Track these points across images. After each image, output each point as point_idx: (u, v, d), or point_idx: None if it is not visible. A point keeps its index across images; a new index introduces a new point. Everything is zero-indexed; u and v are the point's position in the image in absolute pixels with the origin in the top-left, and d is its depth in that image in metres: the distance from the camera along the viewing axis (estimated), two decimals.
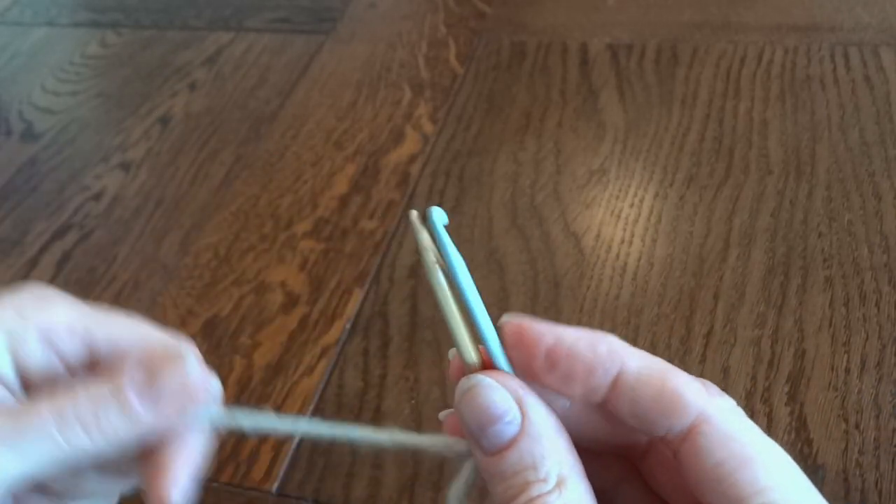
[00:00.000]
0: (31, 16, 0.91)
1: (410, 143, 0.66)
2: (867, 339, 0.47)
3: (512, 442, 0.22)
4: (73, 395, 0.24)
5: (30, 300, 0.25)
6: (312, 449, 0.47)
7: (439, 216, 0.25)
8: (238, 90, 0.75)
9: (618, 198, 0.58)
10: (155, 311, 0.55)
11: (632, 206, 0.58)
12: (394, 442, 0.25)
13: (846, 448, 0.43)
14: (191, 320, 0.54)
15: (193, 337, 0.53)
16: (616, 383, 0.23)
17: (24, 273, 0.60)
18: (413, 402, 0.48)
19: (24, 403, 0.24)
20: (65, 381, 0.25)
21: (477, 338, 0.25)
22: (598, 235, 0.56)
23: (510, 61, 0.72)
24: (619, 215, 0.57)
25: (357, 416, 0.48)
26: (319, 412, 0.48)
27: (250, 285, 0.56)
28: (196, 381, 0.24)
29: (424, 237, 0.26)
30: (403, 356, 0.50)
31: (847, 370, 0.46)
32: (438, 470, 0.45)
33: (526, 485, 0.22)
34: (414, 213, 0.26)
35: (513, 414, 0.23)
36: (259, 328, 0.53)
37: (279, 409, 0.49)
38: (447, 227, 0.26)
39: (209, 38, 0.82)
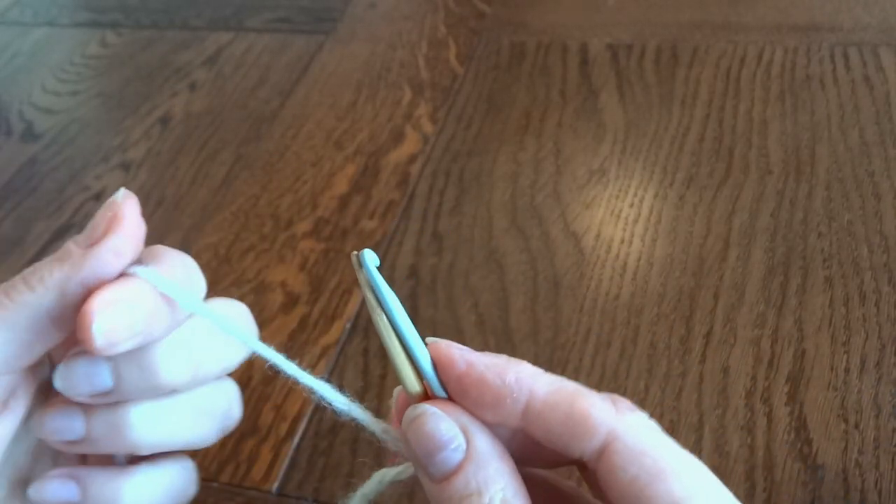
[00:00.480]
0: (31, 16, 0.91)
1: (410, 143, 0.66)
2: (867, 338, 0.47)
3: (458, 468, 0.23)
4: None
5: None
6: (313, 449, 0.47)
7: (371, 258, 0.26)
8: (238, 90, 0.75)
9: (618, 198, 0.58)
10: None
11: (632, 206, 0.58)
12: (343, 407, 0.27)
13: (846, 448, 0.43)
14: None
15: None
16: (526, 411, 0.23)
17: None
18: None
19: None
20: None
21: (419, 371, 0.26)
22: (597, 235, 0.56)
23: (510, 61, 0.72)
24: (619, 215, 0.57)
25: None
26: (319, 412, 0.48)
27: (250, 285, 0.56)
28: (121, 213, 0.26)
29: (364, 279, 0.27)
30: None
31: (847, 370, 0.46)
32: None
33: None
34: (354, 256, 0.27)
35: (458, 441, 0.23)
36: (259, 328, 0.53)
37: (279, 409, 0.49)
38: (379, 268, 0.27)
39: (209, 38, 0.82)
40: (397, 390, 0.26)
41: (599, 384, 0.47)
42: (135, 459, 0.28)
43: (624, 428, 0.22)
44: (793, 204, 0.56)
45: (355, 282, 0.55)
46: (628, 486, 0.22)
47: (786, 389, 0.45)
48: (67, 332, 0.25)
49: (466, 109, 0.68)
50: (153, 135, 0.71)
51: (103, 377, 0.25)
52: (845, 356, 0.47)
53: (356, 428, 0.48)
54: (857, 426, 0.43)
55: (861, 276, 0.51)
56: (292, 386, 0.50)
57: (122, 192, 0.26)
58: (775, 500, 0.41)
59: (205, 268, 0.61)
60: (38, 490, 0.27)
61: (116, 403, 0.26)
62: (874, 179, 0.57)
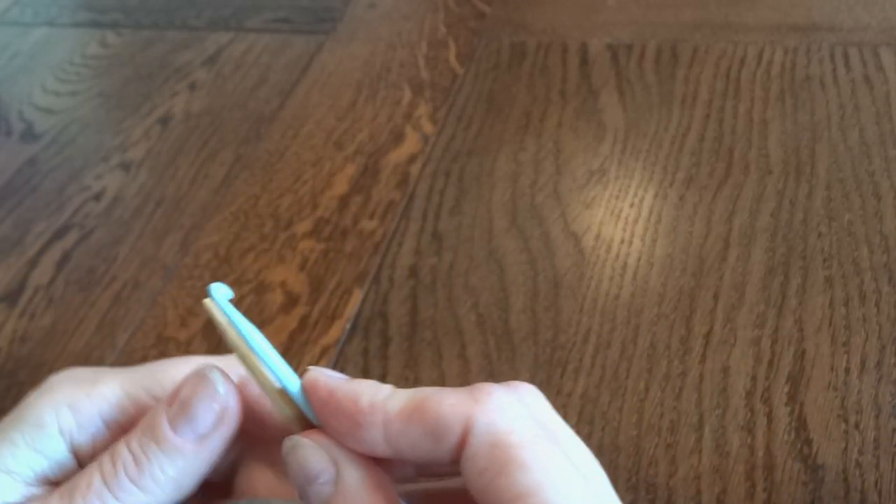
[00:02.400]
0: (31, 16, 0.91)
1: (410, 143, 0.66)
2: (867, 339, 0.47)
3: (331, 500, 0.23)
4: (114, 451, 0.25)
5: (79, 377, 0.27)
6: None
7: (221, 293, 0.26)
8: (238, 90, 0.75)
9: (618, 198, 0.58)
10: (155, 311, 0.55)
11: (632, 206, 0.58)
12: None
13: (846, 448, 0.43)
14: (191, 320, 0.54)
15: (193, 337, 0.53)
16: (387, 435, 0.22)
17: (24, 273, 0.60)
18: None
19: (75, 475, 0.25)
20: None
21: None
22: (597, 235, 0.56)
23: (510, 61, 0.72)
24: (619, 215, 0.57)
25: None
26: None
27: (250, 285, 0.56)
28: (225, 394, 0.25)
29: (220, 316, 0.26)
30: (403, 356, 0.50)
31: (847, 370, 0.46)
32: None
33: None
34: (207, 301, 0.26)
35: (328, 474, 0.23)
36: (259, 328, 0.53)
37: None
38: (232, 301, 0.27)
39: (209, 38, 0.82)
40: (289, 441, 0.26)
41: (599, 384, 0.47)
42: None
43: (477, 417, 0.21)
44: (793, 204, 0.56)
45: (355, 282, 0.55)
46: (478, 478, 0.21)
47: (786, 389, 0.45)
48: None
49: (466, 109, 0.68)
50: (153, 135, 0.71)
51: None
52: (845, 356, 0.47)
53: None
54: (857, 426, 0.43)
55: (861, 277, 0.51)
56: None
57: (218, 376, 0.26)
58: (775, 501, 0.41)
59: (205, 268, 0.62)
60: None
61: None
62: (874, 179, 0.57)
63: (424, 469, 0.25)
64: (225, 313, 0.26)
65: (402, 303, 0.53)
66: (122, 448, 0.24)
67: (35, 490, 0.25)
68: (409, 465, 0.25)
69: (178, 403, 0.25)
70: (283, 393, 0.25)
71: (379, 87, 0.72)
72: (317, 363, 0.51)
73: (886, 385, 0.45)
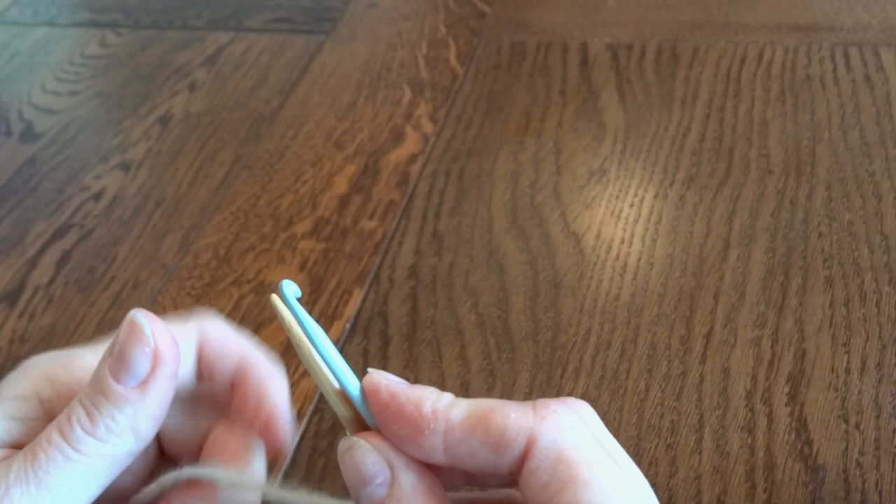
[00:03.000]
0: (30, 15, 0.91)
1: (410, 143, 0.66)
2: (867, 339, 0.47)
3: (382, 503, 0.23)
4: (70, 408, 0.25)
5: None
6: (312, 449, 0.47)
7: (290, 290, 0.26)
8: (238, 90, 0.75)
9: (618, 198, 0.58)
10: (155, 311, 0.55)
11: (632, 206, 0.57)
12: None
13: (846, 448, 0.43)
14: None
15: None
16: (446, 442, 0.23)
17: (24, 273, 0.59)
18: None
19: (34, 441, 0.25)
20: None
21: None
22: (598, 235, 0.56)
23: (510, 61, 0.72)
24: (619, 215, 0.57)
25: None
26: (319, 412, 0.48)
27: (250, 285, 0.56)
28: (152, 335, 0.26)
29: (286, 314, 0.27)
30: (403, 356, 0.50)
31: (847, 370, 0.46)
32: None
33: None
34: (274, 297, 0.26)
35: (383, 476, 0.23)
36: (259, 328, 0.53)
37: None
38: (300, 300, 0.27)
39: (209, 37, 0.82)
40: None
41: (600, 384, 0.47)
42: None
43: (542, 432, 0.22)
44: (793, 204, 0.56)
45: (355, 282, 0.55)
46: (540, 493, 0.21)
47: (786, 390, 0.45)
48: (140, 452, 0.26)
49: (466, 109, 0.68)
50: (153, 135, 0.71)
51: None
52: (846, 356, 0.47)
53: None
54: (857, 427, 0.43)
55: (862, 277, 0.51)
56: (292, 387, 0.50)
57: (140, 316, 0.26)
58: (776, 501, 0.41)
59: (205, 268, 0.62)
60: None
61: None
62: (875, 179, 0.57)
63: (474, 478, 0.25)
64: (292, 310, 0.26)
65: (402, 303, 0.53)
66: (75, 404, 0.25)
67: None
68: (459, 473, 0.25)
69: (116, 353, 0.25)
70: (342, 394, 0.25)
71: (379, 87, 0.72)
72: None
73: (887, 385, 0.45)
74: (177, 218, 0.62)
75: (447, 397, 0.23)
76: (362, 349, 0.51)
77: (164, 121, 0.73)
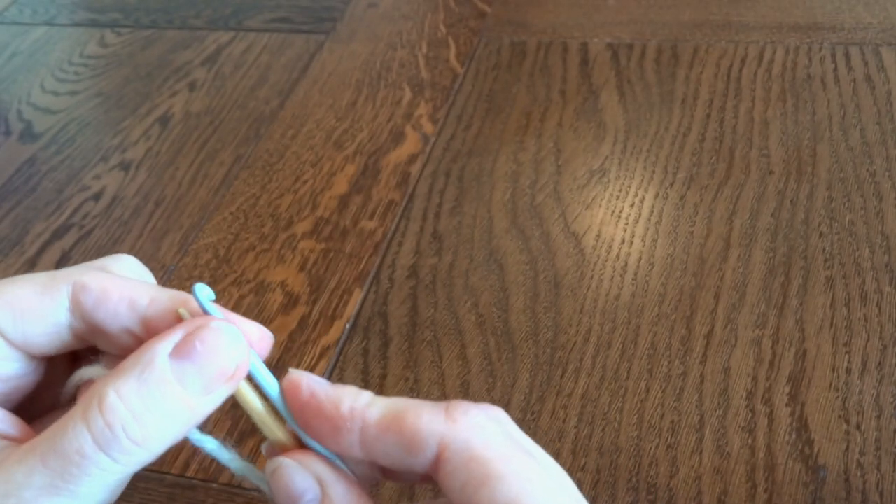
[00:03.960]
0: (29, 15, 0.90)
1: (410, 143, 0.66)
2: (868, 339, 0.47)
3: None
4: (104, 404, 0.23)
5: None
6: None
7: (204, 293, 0.24)
8: (238, 90, 0.75)
9: (618, 198, 0.58)
10: None
11: (632, 206, 0.57)
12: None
13: (847, 449, 0.43)
14: None
15: None
16: (363, 440, 0.23)
17: (24, 273, 0.59)
18: None
19: (52, 430, 0.23)
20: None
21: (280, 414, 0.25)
22: (598, 235, 0.56)
23: (510, 61, 0.72)
24: (620, 215, 0.57)
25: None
26: None
27: (250, 285, 0.56)
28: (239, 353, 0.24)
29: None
30: (403, 356, 0.50)
31: (848, 371, 0.46)
32: None
33: None
34: (182, 311, 0.24)
35: (313, 493, 0.23)
36: None
37: None
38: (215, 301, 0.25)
39: (209, 37, 0.82)
40: (266, 444, 0.26)
41: (600, 385, 0.47)
42: None
43: (453, 434, 0.22)
44: (794, 204, 0.56)
45: (355, 282, 0.55)
46: (459, 493, 0.21)
47: (787, 390, 0.45)
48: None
49: (466, 109, 0.68)
50: (152, 135, 0.71)
51: None
52: (847, 357, 0.47)
53: None
54: (858, 427, 0.43)
55: (863, 277, 0.50)
56: None
57: (239, 339, 0.24)
58: (776, 502, 0.41)
59: (204, 268, 0.62)
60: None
61: None
62: (876, 179, 0.57)
63: (391, 474, 0.26)
64: (206, 312, 0.25)
65: (402, 303, 0.53)
66: (114, 401, 0.22)
67: None
68: (377, 467, 0.26)
69: (190, 360, 0.23)
70: (269, 406, 0.25)
71: (379, 87, 0.72)
72: (317, 363, 0.50)
73: (888, 386, 0.45)
74: (176, 218, 0.62)
75: (365, 396, 0.24)
76: (362, 349, 0.51)
77: (164, 121, 0.72)
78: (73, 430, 0.21)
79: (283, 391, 0.25)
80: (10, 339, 0.24)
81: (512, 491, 0.21)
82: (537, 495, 0.21)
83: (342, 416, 0.23)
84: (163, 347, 0.22)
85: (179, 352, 0.22)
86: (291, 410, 0.25)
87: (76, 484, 0.21)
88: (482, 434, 0.22)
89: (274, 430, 0.25)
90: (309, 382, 0.24)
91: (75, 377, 0.25)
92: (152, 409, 0.22)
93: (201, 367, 0.23)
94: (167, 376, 0.22)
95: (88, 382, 0.25)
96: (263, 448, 0.26)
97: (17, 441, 0.23)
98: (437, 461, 0.22)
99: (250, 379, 0.25)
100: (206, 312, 0.24)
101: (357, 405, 0.23)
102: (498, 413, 0.24)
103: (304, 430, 0.25)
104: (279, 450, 0.25)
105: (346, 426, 0.23)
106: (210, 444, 0.26)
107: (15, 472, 0.21)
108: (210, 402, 0.23)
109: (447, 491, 0.22)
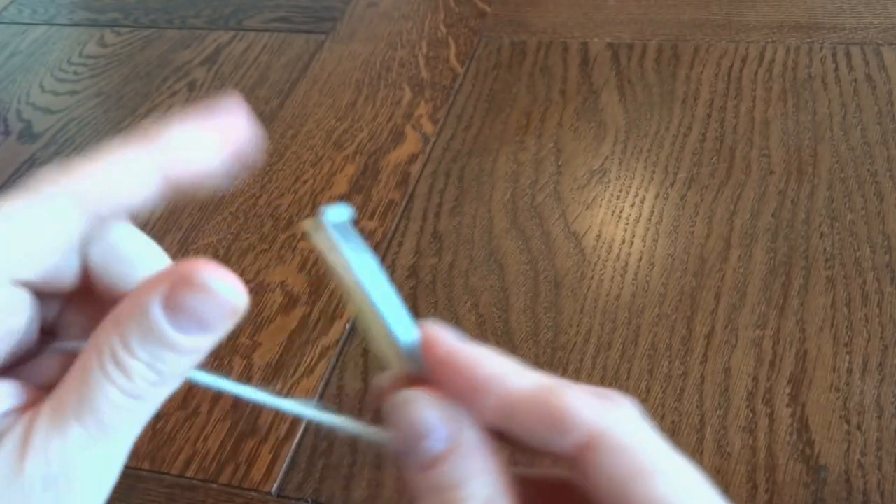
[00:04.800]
0: (29, 15, 0.90)
1: (410, 143, 0.65)
2: (869, 339, 0.47)
3: (440, 459, 0.22)
4: (123, 350, 0.23)
5: None
6: (312, 450, 0.46)
7: (337, 215, 0.23)
8: (238, 90, 0.75)
9: (618, 198, 0.58)
10: None
11: (633, 206, 0.57)
12: (335, 425, 0.25)
13: (848, 449, 0.42)
14: None
15: None
16: (501, 406, 0.22)
17: None
18: None
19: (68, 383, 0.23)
20: None
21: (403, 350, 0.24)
22: (598, 235, 0.55)
23: (510, 61, 0.72)
24: (620, 215, 0.57)
25: (357, 417, 0.47)
26: None
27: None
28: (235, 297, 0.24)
29: (326, 243, 0.23)
30: None
31: (849, 371, 0.46)
32: None
33: (451, 503, 0.22)
34: (307, 223, 0.23)
35: (444, 431, 0.23)
36: (259, 329, 0.53)
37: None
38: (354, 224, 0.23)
39: (208, 37, 0.82)
40: (379, 380, 0.25)
41: (600, 385, 0.47)
42: None
43: (606, 424, 0.21)
44: (794, 204, 0.56)
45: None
46: (609, 484, 0.21)
47: (788, 390, 0.45)
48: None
49: (466, 109, 0.68)
50: None
51: None
52: (847, 357, 0.46)
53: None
54: (859, 427, 0.43)
55: (863, 277, 0.50)
56: (291, 387, 0.50)
57: (236, 285, 0.24)
58: (777, 502, 0.41)
59: None
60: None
61: None
62: (876, 179, 0.56)
63: (518, 447, 0.24)
64: (337, 240, 0.23)
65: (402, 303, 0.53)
66: (123, 355, 0.22)
67: None
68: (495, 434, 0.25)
69: (182, 301, 0.23)
70: (396, 343, 0.24)
71: (379, 87, 0.72)
72: (317, 363, 0.50)
73: (889, 386, 0.45)
74: (176, 218, 0.62)
75: (511, 364, 0.23)
76: (362, 350, 0.51)
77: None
78: (98, 385, 0.22)
79: (421, 342, 0.23)
80: (27, 278, 0.23)
81: (668, 490, 0.20)
82: (691, 494, 0.21)
83: (485, 380, 0.22)
84: (153, 300, 0.23)
85: (171, 305, 0.23)
86: (429, 364, 0.23)
87: (115, 429, 0.22)
88: (635, 426, 0.22)
89: (399, 361, 0.24)
90: (448, 339, 0.23)
91: (57, 347, 0.25)
92: (160, 356, 0.23)
93: (196, 317, 0.23)
94: (165, 327, 0.23)
95: (72, 353, 0.25)
96: (378, 382, 0.25)
97: (24, 408, 0.23)
98: (585, 447, 0.21)
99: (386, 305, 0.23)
100: (335, 239, 0.23)
101: (502, 371, 0.23)
102: (639, 407, 0.23)
103: (439, 388, 0.23)
104: (399, 385, 0.24)
105: (488, 391, 0.22)
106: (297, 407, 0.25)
107: (52, 438, 0.21)
108: (217, 336, 0.23)
109: (590, 478, 0.21)
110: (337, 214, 0.23)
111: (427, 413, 0.23)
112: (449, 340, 0.23)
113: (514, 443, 0.24)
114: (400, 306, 0.24)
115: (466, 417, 0.23)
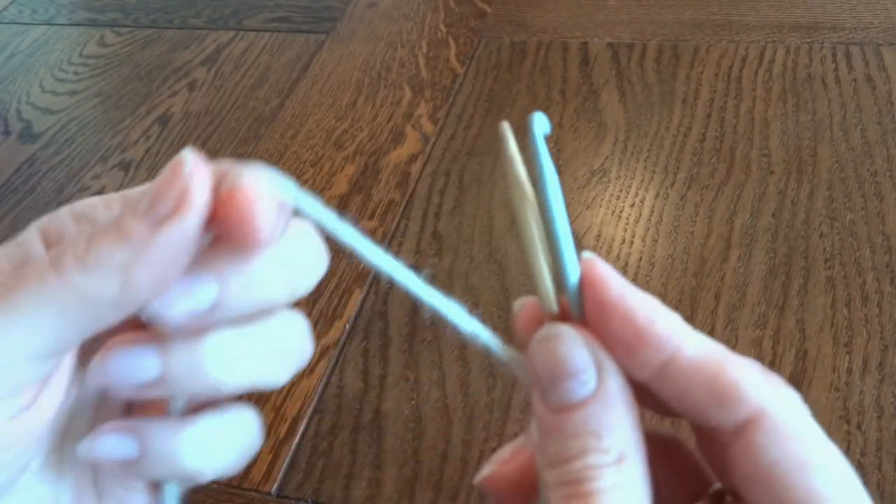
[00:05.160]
0: (29, 15, 0.90)
1: (410, 143, 0.65)
2: (869, 339, 0.47)
3: (582, 403, 0.21)
4: (70, 237, 0.22)
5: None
6: (312, 450, 0.46)
7: (540, 123, 0.21)
8: (238, 90, 0.75)
9: (618, 198, 0.58)
10: None
11: (632, 206, 0.57)
12: (467, 331, 0.24)
13: (848, 449, 0.42)
14: None
15: None
16: (667, 367, 0.21)
17: None
18: (413, 402, 0.48)
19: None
20: None
21: (557, 281, 0.22)
22: (598, 235, 0.55)
23: (510, 61, 0.72)
24: (620, 215, 0.57)
25: (357, 417, 0.47)
26: (319, 413, 0.48)
27: None
28: (191, 188, 0.22)
29: (514, 149, 0.22)
30: (403, 356, 0.50)
31: (849, 371, 0.46)
32: (438, 471, 0.44)
33: (585, 451, 0.20)
34: (505, 123, 0.22)
35: (589, 374, 0.21)
36: None
37: (279, 409, 0.48)
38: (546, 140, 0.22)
39: (208, 37, 0.82)
40: (523, 301, 0.24)
41: None
42: (192, 410, 0.25)
43: (775, 406, 0.20)
44: (794, 204, 0.56)
45: (355, 282, 0.55)
46: (766, 469, 0.20)
47: None
48: (124, 315, 0.22)
49: (466, 109, 0.68)
50: (152, 134, 0.71)
51: (206, 294, 0.22)
52: (847, 357, 0.46)
53: (356, 428, 0.48)
54: (859, 427, 0.43)
55: (863, 277, 0.50)
56: (291, 387, 0.50)
57: (190, 156, 0.23)
58: None
59: None
60: (90, 447, 0.23)
61: (192, 337, 0.23)
62: (876, 179, 0.56)
63: (665, 409, 0.23)
64: (536, 149, 0.21)
65: (402, 303, 0.53)
66: (80, 234, 0.22)
67: None
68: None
69: (145, 188, 0.22)
70: (550, 277, 0.22)
71: (379, 87, 0.72)
72: (317, 363, 0.50)
73: (888, 386, 0.45)
74: None
75: (679, 320, 0.21)
76: (362, 349, 0.51)
77: (164, 120, 0.72)
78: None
79: (585, 277, 0.22)
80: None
81: (828, 486, 0.20)
82: (847, 493, 0.20)
83: (656, 333, 0.21)
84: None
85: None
86: (591, 302, 0.22)
87: (10, 287, 0.21)
88: (801, 415, 0.21)
89: (551, 297, 0.22)
90: (618, 280, 0.22)
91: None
92: (100, 232, 0.22)
93: (147, 195, 0.22)
94: (122, 209, 0.22)
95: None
96: (517, 306, 0.24)
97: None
98: (748, 425, 0.20)
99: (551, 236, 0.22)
100: (535, 148, 0.21)
101: (674, 327, 0.21)
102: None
103: (596, 330, 0.22)
104: (545, 319, 0.22)
105: (657, 345, 0.21)
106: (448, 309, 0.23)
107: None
108: (158, 235, 0.21)
109: (743, 458, 0.20)
110: (542, 124, 0.21)
111: (577, 352, 0.21)
112: (620, 284, 0.22)
113: (655, 402, 0.22)
114: (571, 237, 0.22)
115: (614, 363, 0.21)
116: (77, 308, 0.21)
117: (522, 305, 0.24)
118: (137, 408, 0.26)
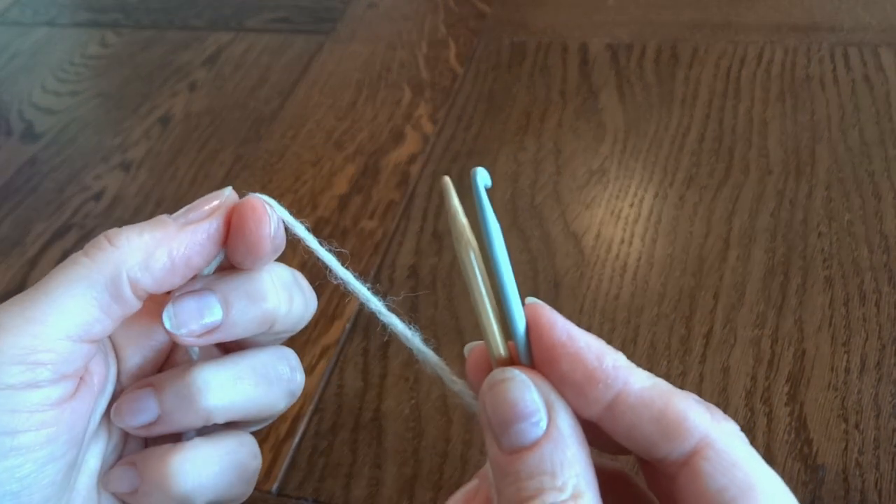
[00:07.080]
0: (30, 15, 0.91)
1: (410, 143, 0.66)
2: (867, 339, 0.47)
3: (534, 444, 0.21)
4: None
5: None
6: (312, 449, 0.47)
7: (482, 177, 0.23)
8: (238, 90, 0.75)
9: (618, 198, 0.58)
10: None
11: (632, 206, 0.58)
12: (425, 358, 0.27)
13: (846, 448, 0.43)
14: None
15: None
16: (615, 402, 0.22)
17: (24, 273, 0.59)
18: (413, 402, 0.48)
19: None
20: None
21: (504, 326, 0.23)
22: (597, 235, 0.56)
23: (510, 61, 0.72)
24: (619, 215, 0.57)
25: (357, 417, 0.48)
26: (319, 412, 0.48)
27: None
28: (226, 204, 0.30)
29: (456, 203, 0.24)
30: (403, 356, 0.50)
31: (847, 370, 0.46)
32: (438, 470, 0.45)
33: (541, 489, 0.21)
34: (447, 179, 0.24)
35: (540, 415, 0.22)
36: None
37: None
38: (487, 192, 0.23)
39: (209, 37, 0.82)
40: (472, 346, 0.24)
41: None
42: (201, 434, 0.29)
43: (717, 436, 0.21)
44: (793, 204, 0.56)
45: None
46: (714, 496, 0.21)
47: (786, 389, 0.45)
48: (142, 301, 0.26)
49: (466, 109, 0.68)
50: (153, 135, 0.71)
51: (213, 310, 0.27)
52: (845, 356, 0.47)
53: (356, 427, 0.48)
54: (857, 426, 0.43)
55: (861, 276, 0.51)
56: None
57: (230, 190, 0.30)
58: None
59: None
60: (105, 483, 0.28)
61: (183, 371, 0.27)
62: (874, 179, 0.57)
63: (608, 445, 0.24)
64: (483, 201, 0.23)
65: (402, 303, 0.53)
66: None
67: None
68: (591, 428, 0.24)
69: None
70: (498, 319, 0.23)
71: (379, 87, 0.72)
72: (317, 363, 0.51)
73: (886, 385, 0.45)
74: None
75: (624, 358, 0.22)
76: (362, 349, 0.51)
77: (165, 121, 0.73)
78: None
79: (531, 322, 0.23)
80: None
81: None
82: None
83: (603, 371, 0.22)
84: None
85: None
86: (538, 346, 0.22)
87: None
88: (743, 443, 0.22)
89: (498, 342, 0.23)
90: (563, 323, 0.23)
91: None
92: (136, 226, 0.27)
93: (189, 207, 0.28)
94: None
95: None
96: (467, 350, 0.24)
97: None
98: (694, 455, 0.21)
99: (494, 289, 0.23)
100: (478, 200, 0.23)
101: (620, 364, 0.22)
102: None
103: (546, 372, 0.22)
104: (494, 364, 0.23)
105: (605, 383, 0.22)
106: (401, 326, 0.26)
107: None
108: (184, 230, 0.27)
109: (690, 488, 0.21)
110: (484, 178, 0.23)
111: (527, 395, 0.22)
112: (566, 326, 0.23)
113: (602, 440, 0.23)
114: (515, 284, 0.23)
115: (564, 403, 0.22)
116: (100, 285, 0.25)
117: (471, 350, 0.25)
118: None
